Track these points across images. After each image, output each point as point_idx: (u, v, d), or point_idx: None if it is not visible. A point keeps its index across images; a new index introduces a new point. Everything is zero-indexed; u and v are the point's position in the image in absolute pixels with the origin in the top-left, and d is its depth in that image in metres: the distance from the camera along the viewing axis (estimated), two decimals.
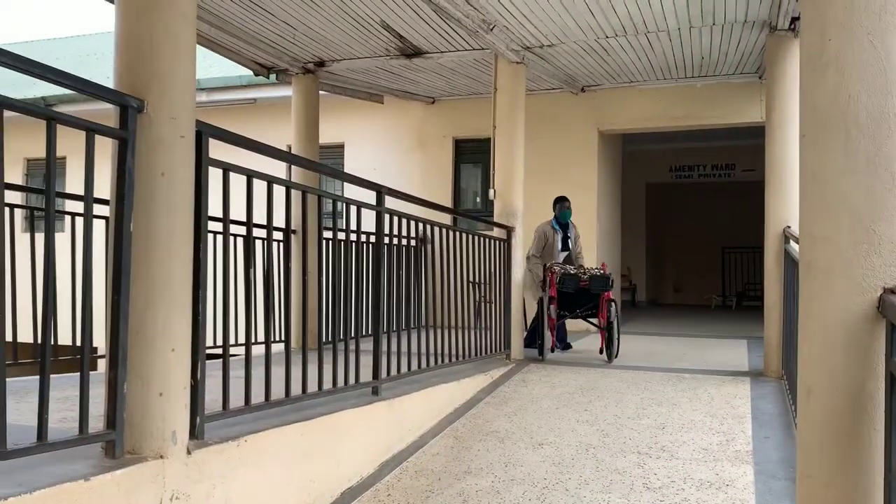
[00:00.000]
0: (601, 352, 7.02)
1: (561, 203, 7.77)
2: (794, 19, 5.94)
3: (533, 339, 7.43)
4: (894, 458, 1.74)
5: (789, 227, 5.92)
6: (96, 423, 2.75)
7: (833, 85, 2.01)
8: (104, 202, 2.97)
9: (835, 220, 1.98)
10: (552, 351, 7.21)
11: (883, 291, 1.90)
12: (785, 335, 5.72)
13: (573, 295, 7.15)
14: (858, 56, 1.97)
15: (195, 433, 2.97)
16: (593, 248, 9.41)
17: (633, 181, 13.41)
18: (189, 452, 2.89)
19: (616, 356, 6.87)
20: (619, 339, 6.98)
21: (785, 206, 6.06)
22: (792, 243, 5.43)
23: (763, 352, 6.41)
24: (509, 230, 6.92)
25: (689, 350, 7.91)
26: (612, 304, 7.05)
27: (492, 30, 6.37)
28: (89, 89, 2.62)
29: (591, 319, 7.46)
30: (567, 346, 7.79)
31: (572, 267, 7.41)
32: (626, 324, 10.55)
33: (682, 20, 6.38)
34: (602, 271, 7.30)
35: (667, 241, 16.02)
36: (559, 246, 7.70)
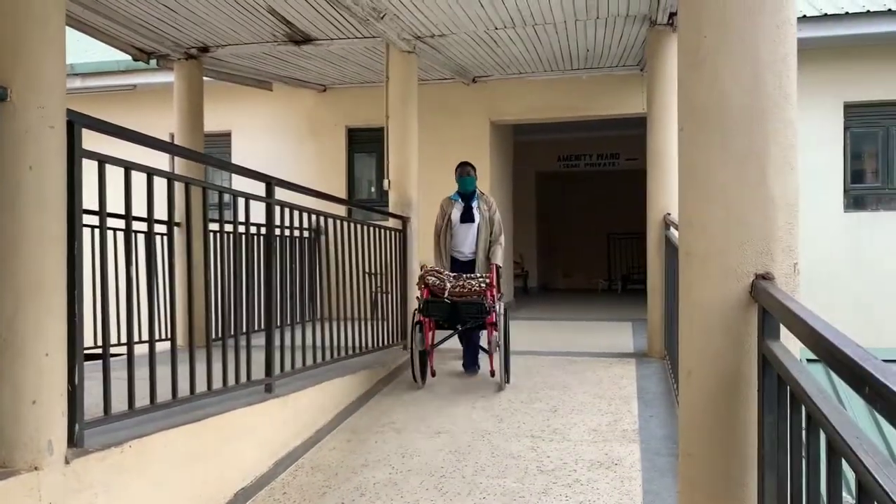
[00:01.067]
0: (491, 374, 5.82)
1: (460, 168, 6.39)
2: (673, 14, 6.20)
3: (471, 357, 6.20)
4: (767, 434, 1.85)
5: (669, 214, 6.21)
6: None
7: (708, 80, 2.10)
8: None
9: (711, 210, 2.08)
10: (432, 375, 5.92)
11: (755, 277, 2.01)
12: (666, 317, 6.01)
13: (450, 306, 5.67)
14: (731, 54, 2.06)
15: (74, 441, 2.80)
16: None
17: (524, 170, 13.68)
18: (67, 462, 2.72)
19: (508, 380, 5.59)
20: (507, 359, 5.63)
21: (665, 195, 6.34)
22: (672, 230, 5.70)
23: (647, 333, 6.71)
24: (405, 220, 6.91)
25: (579, 334, 8.18)
26: (501, 322, 5.64)
27: (382, 18, 6.31)
28: None
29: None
30: (475, 368, 6.19)
31: (449, 276, 5.80)
32: (518, 310, 10.79)
33: (568, 13, 6.53)
34: (480, 296, 5.64)
35: (556, 228, 16.48)
36: (457, 219, 6.27)
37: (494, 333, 5.72)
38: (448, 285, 5.67)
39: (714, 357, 2.06)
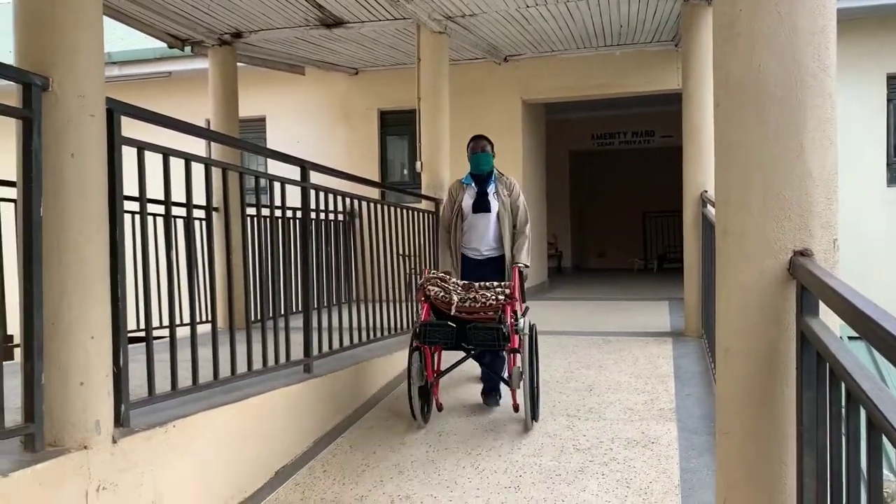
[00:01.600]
0: (515, 409, 4.48)
1: (473, 143, 5.11)
2: None
3: (491, 384, 4.82)
4: (806, 412, 1.84)
5: (706, 191, 6.12)
6: (14, 416, 2.64)
7: (744, 54, 2.06)
8: (11, 184, 2.83)
9: (748, 186, 2.05)
10: (438, 409, 4.68)
11: (793, 254, 1.98)
12: (703, 295, 5.95)
13: (455, 327, 4.27)
14: (767, 26, 2.02)
15: (121, 421, 2.89)
16: None
17: (557, 149, 13.57)
18: (114, 441, 2.81)
19: (535, 417, 4.32)
20: (535, 390, 4.37)
21: (701, 172, 6.25)
22: (709, 207, 5.62)
23: (684, 312, 6.65)
24: (437, 202, 6.91)
25: (614, 313, 8.13)
26: (526, 345, 4.31)
27: None
28: None
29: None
30: (495, 398, 4.76)
31: (458, 285, 4.48)
32: (552, 290, 10.77)
33: None
34: (498, 313, 4.28)
35: (590, 207, 16.36)
36: (469, 208, 5.02)
37: (517, 362, 4.40)
38: (455, 298, 4.32)
39: (752, 335, 2.04)
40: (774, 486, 1.99)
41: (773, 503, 2.00)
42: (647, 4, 7.00)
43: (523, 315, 4.49)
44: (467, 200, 5.03)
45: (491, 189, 5.03)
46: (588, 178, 15.94)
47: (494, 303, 4.28)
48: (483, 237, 5.02)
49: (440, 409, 4.68)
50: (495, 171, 5.14)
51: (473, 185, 5.07)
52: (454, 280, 4.56)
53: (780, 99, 2.00)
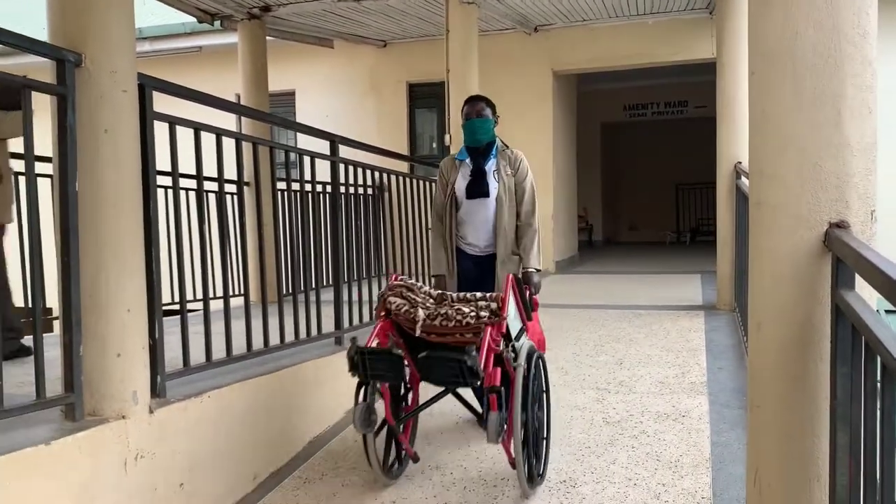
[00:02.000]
0: (511, 465, 3.18)
1: (468, 107, 4.00)
2: None
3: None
4: (840, 386, 1.81)
5: (740, 162, 6.02)
6: (54, 386, 2.71)
7: (780, 21, 2.01)
8: (48, 160, 2.88)
9: (783, 156, 2.00)
10: (413, 461, 3.53)
11: (829, 226, 1.94)
12: (737, 269, 5.87)
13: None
14: None
15: (157, 392, 2.96)
16: (549, 190, 9.45)
17: (588, 121, 13.43)
18: (151, 411, 2.88)
19: (541, 475, 3.25)
20: (539, 441, 3.26)
21: (736, 143, 6.14)
22: (743, 179, 5.53)
23: (716, 286, 6.58)
24: None
25: (645, 286, 8.08)
26: (519, 382, 3.06)
27: None
28: (24, 44, 2.51)
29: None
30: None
31: (428, 294, 3.33)
32: (582, 263, 10.72)
33: None
34: (474, 336, 3.10)
35: (622, 179, 16.19)
36: (462, 192, 3.94)
37: (499, 410, 2.96)
38: (422, 314, 3.18)
39: (785, 308, 2.02)
40: (806, 461, 1.98)
41: (805, 477, 1.98)
42: None
43: (516, 338, 3.25)
44: (460, 182, 3.95)
45: (490, 166, 3.94)
46: (620, 149, 15.75)
47: (474, 322, 3.09)
48: (481, 228, 3.96)
49: (415, 460, 3.53)
50: (498, 142, 4.04)
51: (468, 161, 3.97)
52: (427, 290, 3.36)
53: (817, 67, 1.94)
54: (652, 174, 15.81)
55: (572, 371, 4.78)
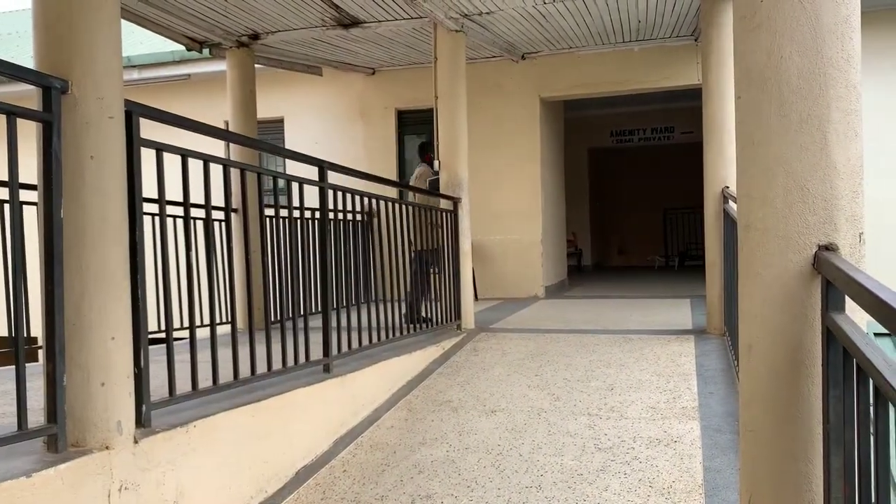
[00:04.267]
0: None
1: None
2: None
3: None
4: (832, 409, 1.80)
5: (727, 186, 6.05)
6: (37, 416, 2.66)
7: (766, 46, 2.03)
8: (32, 188, 2.85)
9: (770, 180, 2.01)
10: None
11: (818, 248, 1.95)
12: (726, 293, 5.88)
13: None
14: (789, 16, 1.99)
15: (142, 421, 2.91)
16: (538, 215, 9.48)
17: (576, 147, 13.53)
18: (136, 441, 2.82)
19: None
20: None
21: (723, 167, 6.18)
22: (731, 203, 5.55)
23: (706, 310, 6.58)
24: (455, 200, 6.91)
25: (635, 311, 8.07)
26: None
27: None
28: (9, 71, 2.49)
29: None
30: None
31: None
32: (572, 288, 10.74)
33: None
34: None
35: (611, 204, 16.28)
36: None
37: None
38: None
39: (775, 331, 2.01)
40: (800, 485, 1.96)
41: (799, 502, 1.96)
42: None
43: None
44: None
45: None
46: (608, 175, 15.85)
47: None
48: None
49: None
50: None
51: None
52: None
53: (802, 91, 1.96)
54: (640, 199, 15.91)
55: (563, 397, 4.75)
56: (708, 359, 5.49)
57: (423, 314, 6.34)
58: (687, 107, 11.04)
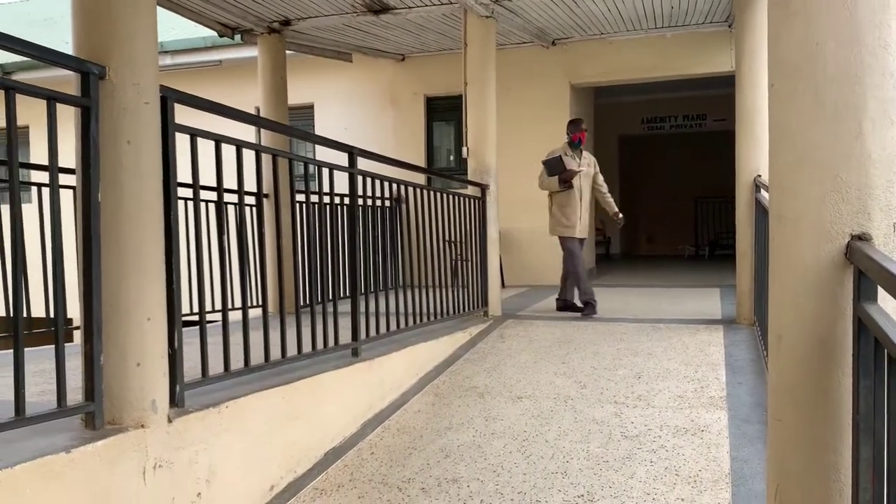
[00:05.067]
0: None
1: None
2: None
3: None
4: (862, 400, 1.79)
5: (760, 175, 5.97)
6: (75, 395, 2.74)
7: (801, 33, 2.00)
8: (70, 171, 2.92)
9: (803, 169, 1.99)
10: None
11: (850, 238, 1.93)
12: (756, 282, 5.82)
13: None
14: (825, 4, 1.96)
15: (175, 401, 2.97)
16: None
17: (606, 134, 13.40)
18: (170, 420, 2.89)
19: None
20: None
21: (755, 155, 6.10)
22: (762, 192, 5.49)
23: (735, 299, 6.52)
24: (483, 188, 6.91)
25: (664, 300, 8.03)
26: None
27: None
28: (49, 57, 2.55)
29: None
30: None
31: None
32: (600, 276, 10.69)
33: None
34: None
35: (640, 192, 16.11)
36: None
37: None
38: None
39: (806, 321, 2.00)
40: (828, 476, 1.95)
41: (826, 493, 1.95)
42: None
43: None
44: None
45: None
46: (638, 162, 15.69)
47: None
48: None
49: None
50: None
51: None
52: None
53: (838, 79, 1.94)
54: (670, 187, 15.73)
55: (590, 385, 4.75)
56: (737, 348, 5.45)
57: (575, 300, 7.21)
58: (720, 94, 10.88)
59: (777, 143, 2.12)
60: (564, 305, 7.26)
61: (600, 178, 7.35)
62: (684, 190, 15.45)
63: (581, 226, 7.14)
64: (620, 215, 7.44)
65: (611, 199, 7.44)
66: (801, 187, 2.01)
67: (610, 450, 3.74)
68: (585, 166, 7.10)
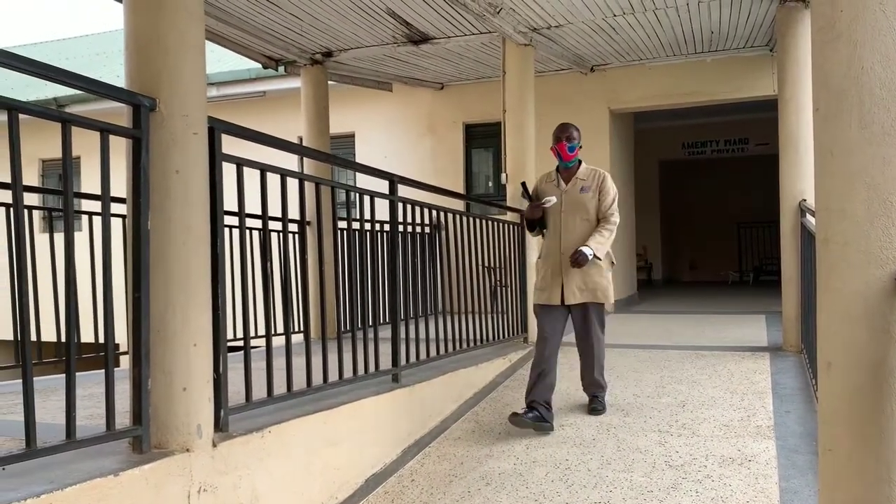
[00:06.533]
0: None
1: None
2: None
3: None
4: None
5: (805, 200, 5.88)
6: (122, 419, 2.79)
7: (846, 56, 1.99)
8: (120, 201, 3.01)
9: (851, 193, 1.96)
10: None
11: None
12: (803, 309, 5.70)
13: None
14: (871, 26, 1.94)
15: (220, 426, 3.01)
16: None
17: (646, 159, 13.32)
18: (214, 445, 2.93)
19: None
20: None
21: (800, 180, 6.01)
22: (808, 217, 5.39)
23: (781, 326, 6.39)
24: (522, 213, 6.90)
25: (707, 327, 7.89)
26: None
27: (498, 13, 6.33)
28: (102, 90, 2.64)
29: None
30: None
31: None
32: (642, 303, 10.56)
33: None
34: None
35: (681, 218, 15.95)
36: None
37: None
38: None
39: (856, 347, 1.95)
40: None
41: None
42: (740, 9, 6.82)
43: None
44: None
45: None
46: (679, 187, 15.55)
47: None
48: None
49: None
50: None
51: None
52: None
53: (885, 101, 1.91)
54: (712, 212, 15.55)
55: (633, 413, 4.68)
56: (784, 376, 5.32)
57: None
58: (762, 118, 10.75)
59: (823, 166, 2.09)
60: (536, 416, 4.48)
61: (608, 203, 4.78)
62: (727, 215, 15.26)
63: (557, 285, 4.65)
64: (596, 255, 4.58)
65: (606, 235, 4.69)
66: (848, 211, 1.98)
67: (654, 479, 3.67)
68: (573, 193, 4.74)
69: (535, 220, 4.88)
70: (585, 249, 4.53)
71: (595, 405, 4.81)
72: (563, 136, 4.76)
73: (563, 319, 4.75)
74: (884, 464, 1.89)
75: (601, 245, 4.62)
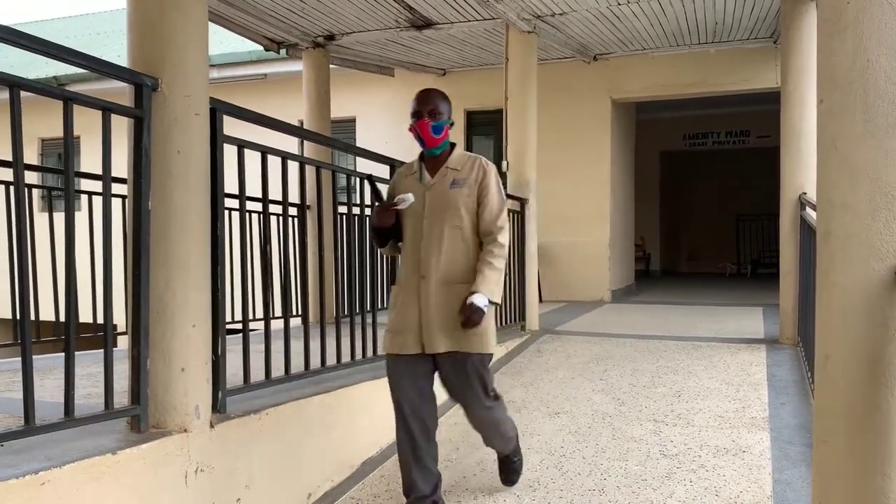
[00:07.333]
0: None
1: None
2: None
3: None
4: None
5: (805, 193, 5.88)
6: (120, 398, 2.80)
7: (852, 49, 1.98)
8: (121, 181, 3.01)
9: (853, 186, 1.96)
10: None
11: None
12: (800, 302, 5.71)
13: None
14: (877, 19, 1.93)
15: (217, 407, 3.02)
16: (606, 218, 9.38)
17: (647, 149, 13.30)
18: (212, 426, 2.94)
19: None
20: None
21: (801, 173, 6.00)
22: (808, 210, 5.40)
23: (778, 319, 6.41)
24: (523, 202, 6.90)
25: (704, 318, 7.91)
26: None
27: None
28: (105, 69, 2.63)
29: None
30: None
31: None
32: (640, 293, 10.58)
33: None
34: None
35: (681, 209, 15.96)
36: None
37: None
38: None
39: (855, 341, 1.96)
40: (876, 500, 1.90)
41: None
42: (745, 1, 6.79)
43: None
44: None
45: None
46: (679, 178, 15.54)
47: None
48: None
49: None
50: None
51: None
52: None
53: (890, 95, 1.91)
54: (712, 204, 15.56)
55: (629, 402, 4.70)
56: (780, 369, 5.34)
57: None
58: (763, 110, 10.74)
59: (825, 159, 2.09)
60: None
61: (493, 210, 3.16)
62: (726, 207, 15.26)
63: (413, 325, 3.12)
64: (493, 302, 3.06)
65: (498, 267, 3.08)
66: (850, 204, 1.98)
67: (648, 468, 3.69)
68: (440, 188, 3.18)
69: (387, 230, 3.21)
70: (477, 299, 2.98)
71: (508, 472, 3.58)
72: (425, 111, 3.28)
73: (430, 374, 3.22)
74: (878, 456, 1.90)
75: (496, 286, 3.08)
